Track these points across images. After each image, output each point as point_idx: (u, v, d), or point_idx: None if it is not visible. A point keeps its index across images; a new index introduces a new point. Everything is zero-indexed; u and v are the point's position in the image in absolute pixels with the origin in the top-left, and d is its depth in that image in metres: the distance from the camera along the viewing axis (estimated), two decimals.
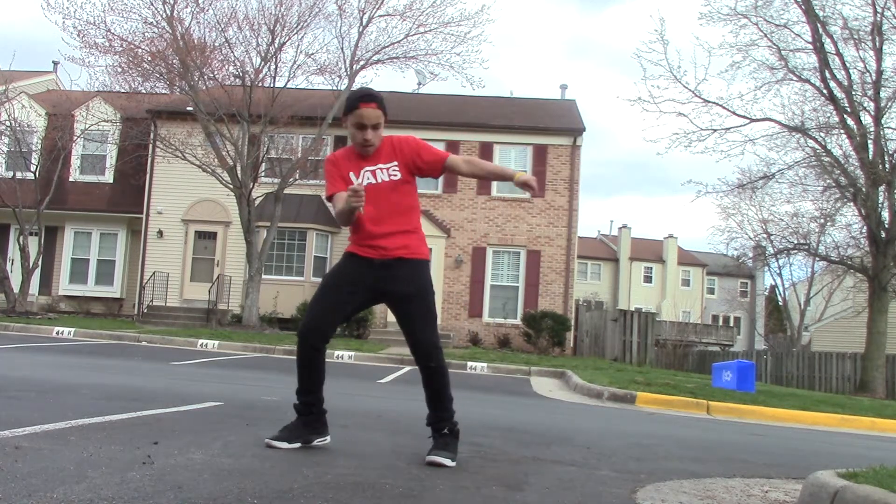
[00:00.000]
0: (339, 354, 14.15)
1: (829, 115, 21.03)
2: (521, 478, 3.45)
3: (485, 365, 13.94)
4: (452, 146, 21.36)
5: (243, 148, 19.46)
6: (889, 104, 20.35)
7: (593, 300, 38.64)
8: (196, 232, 22.85)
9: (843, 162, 20.78)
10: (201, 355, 12.60)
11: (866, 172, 19.84)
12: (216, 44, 19.96)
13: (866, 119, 20.43)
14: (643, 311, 22.16)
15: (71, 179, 23.35)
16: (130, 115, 22.30)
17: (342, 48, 20.50)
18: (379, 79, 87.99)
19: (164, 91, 20.72)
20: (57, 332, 15.05)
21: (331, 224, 22.26)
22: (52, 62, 30.93)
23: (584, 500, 3.10)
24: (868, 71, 20.41)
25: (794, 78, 21.17)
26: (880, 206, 20.16)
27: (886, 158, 20.16)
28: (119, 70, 19.31)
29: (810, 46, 20.62)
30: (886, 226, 19.83)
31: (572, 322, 21.47)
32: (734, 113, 21.55)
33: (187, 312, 21.24)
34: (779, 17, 20.79)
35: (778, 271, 40.49)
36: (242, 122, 19.49)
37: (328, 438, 3.77)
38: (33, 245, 20.35)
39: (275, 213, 19.69)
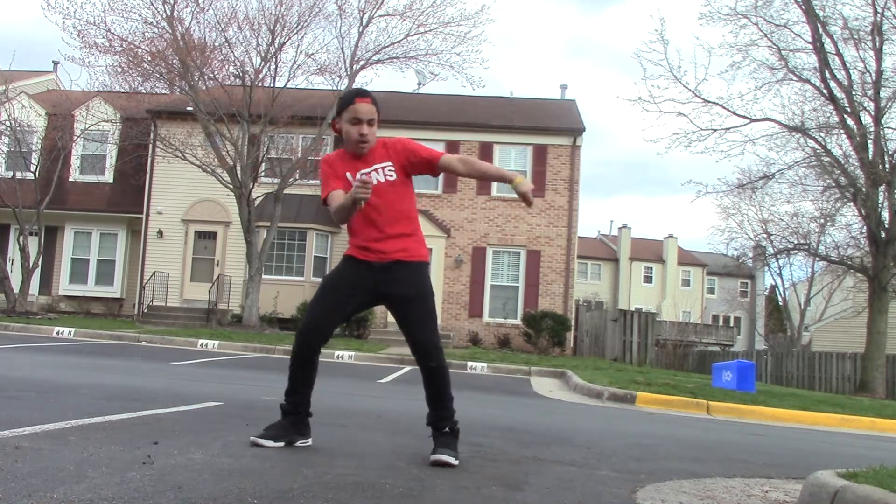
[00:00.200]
0: (339, 354, 14.15)
1: (829, 115, 21.05)
2: (521, 478, 3.45)
3: (485, 365, 13.94)
4: (452, 146, 21.37)
5: (243, 148, 19.46)
6: (889, 104, 20.35)
7: (593, 300, 38.65)
8: (196, 232, 22.85)
9: (843, 162, 20.78)
10: (201, 355, 12.60)
11: (866, 172, 19.84)
12: (216, 44, 19.98)
13: (866, 119, 20.44)
14: (643, 311, 22.16)
15: (71, 179, 23.35)
16: (130, 115, 22.30)
17: (342, 48, 20.52)
18: (379, 79, 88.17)
19: (164, 91, 20.73)
20: (57, 332, 15.05)
21: (331, 224, 22.25)
22: (52, 62, 30.96)
23: (584, 500, 3.10)
24: (868, 71, 20.42)
25: (794, 78, 21.18)
26: (880, 206, 20.16)
27: (886, 158, 20.16)
28: (119, 70, 19.33)
29: (810, 46, 20.62)
30: (886, 226, 19.83)
31: (572, 322, 21.47)
32: (734, 113, 21.57)
33: (187, 312, 21.24)
34: (779, 17, 20.81)
35: (778, 271, 40.54)
36: (242, 122, 19.49)
37: (310, 440, 3.78)
38: (33, 245, 20.35)
39: (275, 213, 19.69)
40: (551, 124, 22.77)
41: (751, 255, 30.29)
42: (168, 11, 19.20)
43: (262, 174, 20.67)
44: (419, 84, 22.74)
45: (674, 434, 6.49)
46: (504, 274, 22.10)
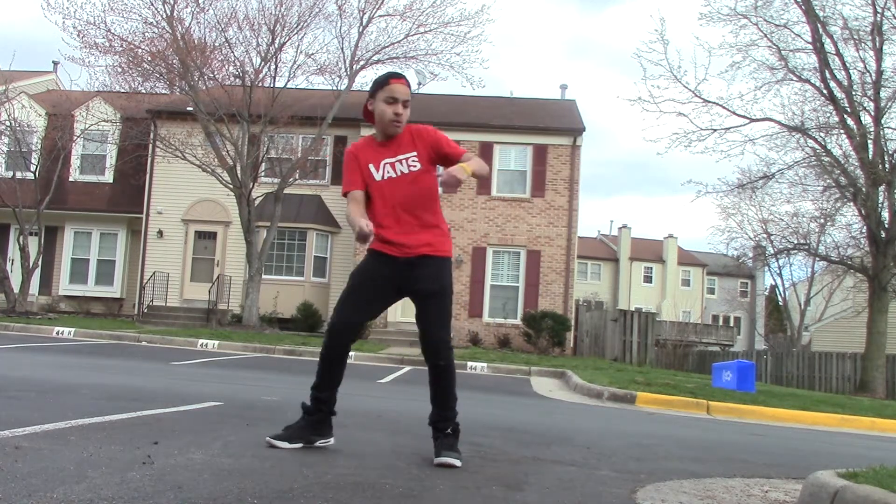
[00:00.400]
0: None
1: (829, 115, 21.04)
2: (521, 478, 3.45)
3: (485, 365, 13.94)
4: None
5: (243, 148, 19.46)
6: (889, 104, 20.35)
7: (593, 300, 38.64)
8: (196, 232, 22.85)
9: (843, 162, 20.78)
10: (201, 355, 12.60)
11: (866, 172, 19.83)
12: (216, 44, 19.98)
13: (866, 119, 20.43)
14: (643, 311, 22.15)
15: (71, 179, 23.36)
16: (130, 115, 22.30)
17: (342, 48, 20.53)
18: None
19: (164, 91, 20.73)
20: (57, 332, 15.05)
21: (331, 224, 22.27)
22: (52, 62, 30.96)
23: (584, 500, 3.10)
24: (868, 71, 20.42)
25: (794, 78, 21.17)
26: (880, 206, 20.15)
27: (886, 158, 20.15)
28: (119, 70, 19.33)
29: (810, 46, 20.62)
30: (886, 226, 19.83)
31: (572, 322, 21.47)
32: (734, 113, 21.56)
33: (187, 312, 21.24)
34: (779, 18, 20.80)
35: (778, 271, 40.53)
36: (242, 122, 19.50)
37: (331, 440, 3.75)
38: (33, 245, 20.35)
39: (275, 213, 19.69)
40: (551, 124, 22.77)
41: (751, 255, 30.30)
42: (168, 11, 19.20)
43: (262, 174, 20.67)
44: (419, 84, 22.71)
45: (674, 434, 6.49)
46: (504, 274, 22.09)
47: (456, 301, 21.78)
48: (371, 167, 3.63)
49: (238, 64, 19.98)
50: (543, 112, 24.26)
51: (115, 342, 14.34)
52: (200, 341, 14.67)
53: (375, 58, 20.72)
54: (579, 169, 22.11)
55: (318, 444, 3.68)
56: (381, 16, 20.41)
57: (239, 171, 19.29)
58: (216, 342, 14.58)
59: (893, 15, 20.01)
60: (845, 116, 20.26)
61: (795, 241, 25.19)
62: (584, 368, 13.61)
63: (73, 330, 15.12)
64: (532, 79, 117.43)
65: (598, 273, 53.43)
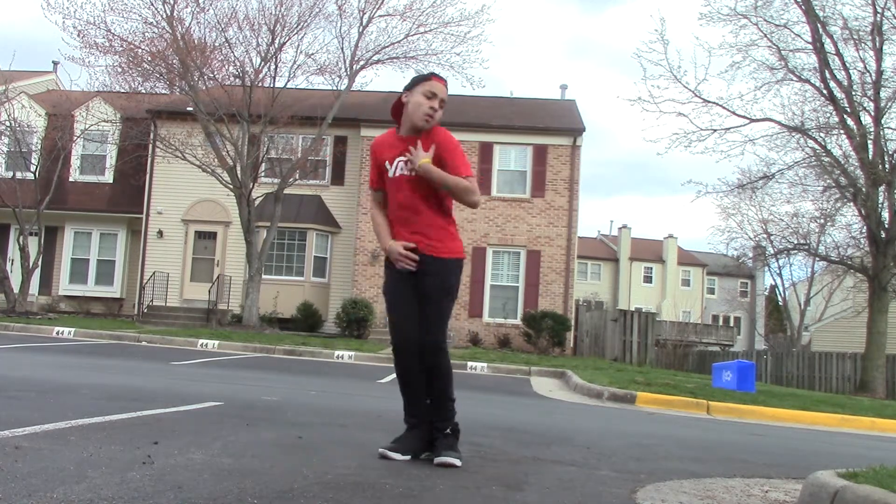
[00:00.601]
0: (339, 354, 14.16)
1: (829, 115, 21.04)
2: (521, 478, 3.45)
3: (485, 365, 13.93)
4: None
5: (243, 148, 19.46)
6: (889, 104, 20.35)
7: (593, 300, 38.65)
8: (196, 232, 22.85)
9: (843, 162, 20.78)
10: (201, 355, 12.60)
11: (866, 172, 19.83)
12: (216, 44, 19.97)
13: (866, 119, 20.43)
14: (643, 311, 22.16)
15: (71, 179, 23.36)
16: (130, 115, 22.30)
17: (342, 48, 20.52)
18: (379, 79, 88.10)
19: (164, 91, 20.73)
20: (57, 332, 15.05)
21: (331, 224, 22.27)
22: (52, 62, 30.95)
23: (584, 500, 3.10)
24: (868, 71, 20.42)
25: (794, 78, 21.17)
26: (880, 206, 20.15)
27: (886, 158, 20.16)
28: (119, 70, 19.32)
29: (810, 46, 20.62)
30: (886, 226, 19.83)
31: (572, 322, 21.47)
32: (734, 113, 21.56)
33: (187, 312, 21.24)
34: (779, 18, 20.80)
35: (778, 271, 40.54)
36: (242, 122, 19.49)
37: (435, 456, 3.66)
38: (33, 245, 20.35)
39: (275, 213, 19.69)
40: (551, 124, 22.77)
41: (751, 255, 30.31)
42: (168, 11, 19.20)
43: (262, 174, 20.67)
44: None
45: (674, 434, 6.49)
46: (504, 274, 22.09)
47: (456, 301, 21.75)
48: (386, 163, 3.67)
49: (238, 64, 19.99)
50: (543, 112, 24.25)
51: (115, 342, 14.34)
52: (200, 341, 14.67)
53: (375, 58, 20.73)
54: (579, 169, 22.11)
55: (423, 456, 3.63)
56: (381, 16, 20.42)
57: (239, 171, 19.29)
58: (216, 342, 14.58)
59: (893, 15, 20.02)
60: (845, 116, 20.26)
61: (795, 241, 25.19)
62: (584, 368, 13.61)
63: (73, 330, 15.12)
64: (532, 79, 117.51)
65: (598, 273, 53.44)
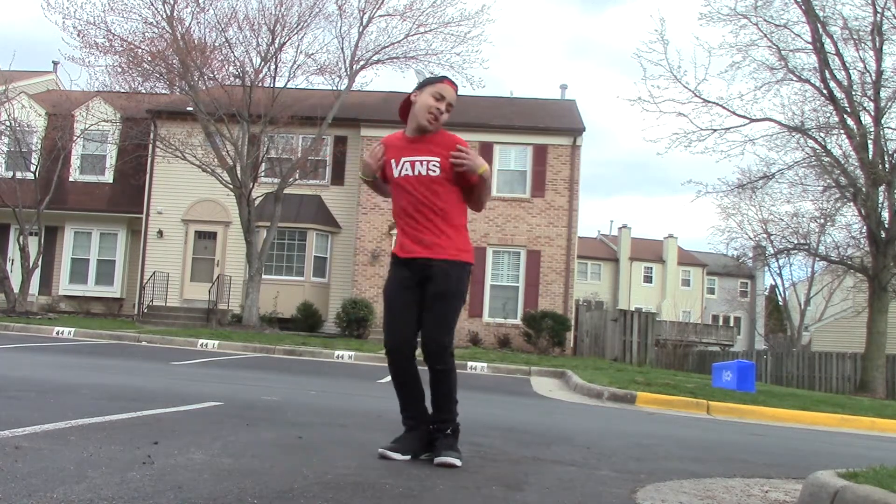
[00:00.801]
0: (339, 354, 14.16)
1: (829, 115, 21.04)
2: (521, 478, 3.45)
3: (485, 365, 13.93)
4: None
5: (243, 148, 19.46)
6: (889, 104, 20.35)
7: (593, 300, 38.64)
8: (196, 232, 22.85)
9: (843, 162, 20.78)
10: (201, 355, 12.60)
11: (866, 172, 19.83)
12: (216, 44, 19.97)
13: (866, 119, 20.43)
14: (643, 311, 22.15)
15: (71, 179, 23.36)
16: (130, 115, 22.30)
17: (342, 48, 20.52)
18: (379, 79, 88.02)
19: (164, 91, 20.72)
20: (57, 332, 15.04)
21: (331, 224, 22.26)
22: (52, 62, 30.95)
23: (584, 500, 3.10)
24: (868, 71, 20.42)
25: (794, 78, 21.17)
26: (880, 206, 20.16)
27: (886, 158, 20.16)
28: (119, 70, 19.32)
29: (810, 46, 20.62)
30: (886, 226, 19.83)
31: (572, 322, 21.46)
32: (734, 113, 21.56)
33: (187, 312, 21.24)
34: (779, 18, 20.80)
35: (778, 271, 40.53)
36: (242, 122, 19.49)
37: (432, 455, 3.67)
38: (33, 245, 20.35)
39: (275, 213, 19.69)
40: (551, 124, 22.76)
41: (751, 255, 30.31)
42: (168, 11, 19.20)
43: (262, 174, 20.67)
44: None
45: (674, 434, 6.49)
46: (504, 274, 22.09)
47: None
48: (392, 162, 3.65)
49: (238, 64, 19.98)
50: (543, 112, 24.25)
51: (115, 342, 14.34)
52: (200, 341, 14.67)
53: (375, 58, 20.72)
54: (579, 169, 22.11)
55: (423, 457, 3.62)
56: (381, 16, 20.42)
57: (239, 171, 19.29)
58: (216, 342, 14.58)
59: (893, 15, 20.02)
60: (845, 116, 20.26)
61: (795, 241, 25.19)
62: (584, 368, 13.61)
63: (73, 330, 15.12)
64: (532, 79, 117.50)
65: (598, 273, 53.44)
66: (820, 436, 7.98)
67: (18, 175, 20.54)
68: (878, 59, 20.18)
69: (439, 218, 3.60)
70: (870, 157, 19.84)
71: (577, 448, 4.76)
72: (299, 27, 19.88)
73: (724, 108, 21.52)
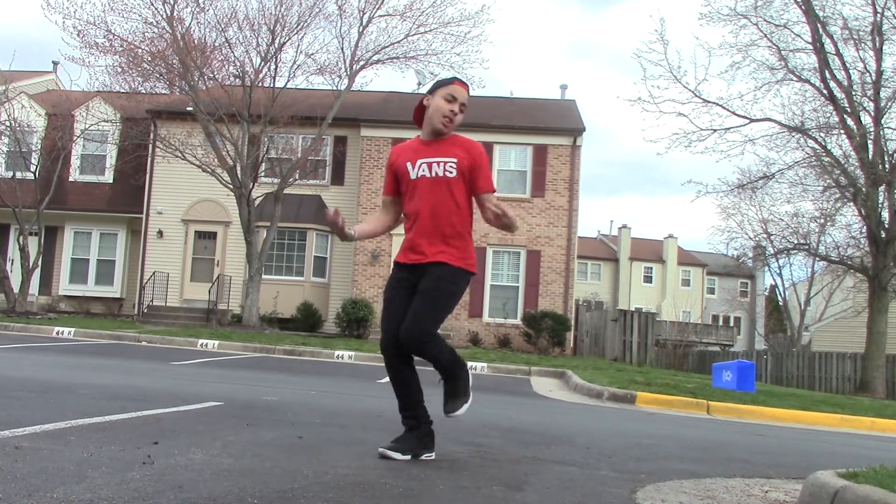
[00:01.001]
0: (339, 354, 14.15)
1: (829, 115, 21.05)
2: (521, 478, 3.45)
3: (485, 365, 13.94)
4: None
5: (243, 148, 19.45)
6: (889, 104, 20.36)
7: (593, 300, 38.64)
8: (196, 232, 22.85)
9: (843, 162, 20.79)
10: (201, 355, 12.60)
11: (866, 172, 19.84)
12: (216, 44, 19.96)
13: (866, 119, 20.45)
14: (643, 311, 22.16)
15: (71, 179, 23.36)
16: (130, 115, 22.30)
17: (342, 48, 20.51)
18: (379, 79, 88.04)
19: (164, 91, 20.71)
20: (57, 332, 15.04)
21: None
22: (52, 62, 30.95)
23: (584, 500, 3.10)
24: (868, 71, 20.43)
25: (794, 78, 21.18)
26: (880, 206, 20.17)
27: (886, 158, 20.17)
28: (119, 70, 19.31)
29: (810, 47, 20.63)
30: (886, 226, 19.84)
31: (572, 322, 21.46)
32: (734, 113, 21.58)
33: (187, 312, 21.24)
34: (779, 18, 20.82)
35: (778, 271, 40.55)
36: (242, 122, 19.49)
37: (434, 454, 3.68)
38: (33, 245, 20.34)
39: (275, 213, 19.69)
40: (551, 124, 22.76)
41: (751, 255, 30.33)
42: (168, 11, 19.19)
43: (262, 174, 20.66)
44: (419, 84, 22.72)
45: (674, 434, 6.49)
46: (504, 274, 22.09)
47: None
48: (408, 165, 3.64)
49: (238, 64, 19.98)
50: (543, 112, 24.24)
51: (115, 342, 14.34)
52: (200, 341, 14.67)
53: (375, 58, 20.71)
54: (579, 169, 22.11)
55: (423, 457, 3.61)
56: (381, 16, 20.41)
57: (239, 171, 19.29)
58: (216, 342, 14.58)
59: (893, 15, 20.03)
60: (845, 116, 20.27)
61: (795, 241, 25.20)
62: (584, 368, 13.61)
63: (73, 330, 15.12)
64: (532, 79, 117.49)
65: (598, 273, 53.43)
66: (820, 436, 7.98)
67: (18, 175, 20.53)
68: (878, 59, 20.19)
69: (451, 222, 3.58)
70: (870, 157, 19.85)
71: (577, 448, 4.76)
72: (299, 27, 19.89)
73: (724, 108, 21.55)
